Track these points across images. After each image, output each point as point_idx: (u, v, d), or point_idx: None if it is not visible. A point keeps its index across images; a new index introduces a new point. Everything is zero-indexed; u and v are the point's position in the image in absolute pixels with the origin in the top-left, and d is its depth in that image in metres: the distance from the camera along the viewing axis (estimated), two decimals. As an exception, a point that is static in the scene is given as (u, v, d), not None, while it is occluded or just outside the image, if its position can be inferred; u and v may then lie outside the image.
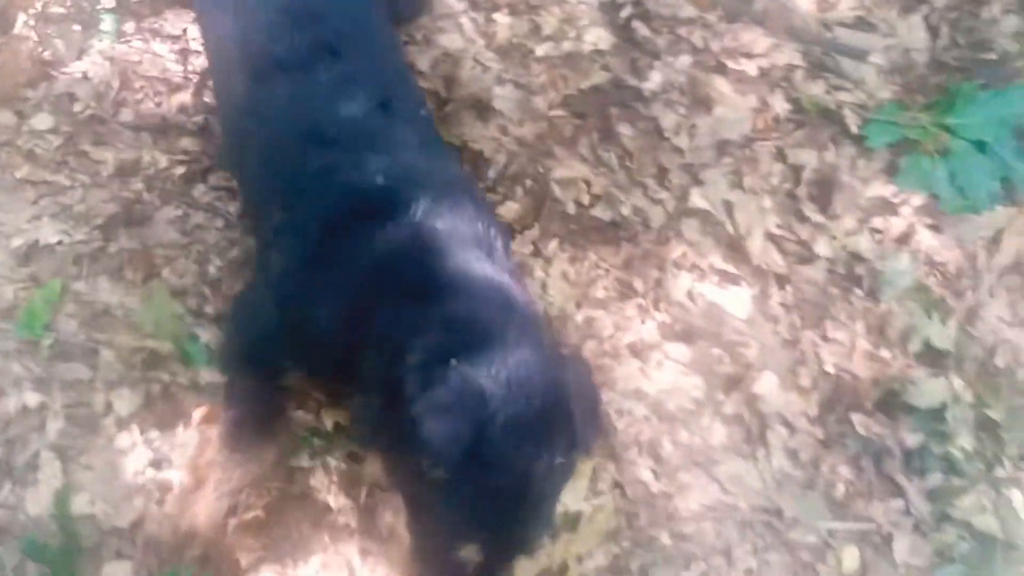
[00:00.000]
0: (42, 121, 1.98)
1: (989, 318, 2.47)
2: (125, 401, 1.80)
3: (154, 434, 1.79)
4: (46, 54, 2.01)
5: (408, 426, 1.40)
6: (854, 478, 2.24)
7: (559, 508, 1.74)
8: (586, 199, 2.28)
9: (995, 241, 2.55)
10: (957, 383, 2.24)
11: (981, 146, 2.55)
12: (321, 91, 1.74)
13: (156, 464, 1.77)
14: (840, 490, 2.22)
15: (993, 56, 2.68)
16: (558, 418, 1.49)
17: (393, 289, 1.55)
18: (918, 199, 2.51)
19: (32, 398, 1.75)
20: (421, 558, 1.55)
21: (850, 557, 2.16)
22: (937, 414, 2.21)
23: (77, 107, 2.01)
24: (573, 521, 1.90)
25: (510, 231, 2.15)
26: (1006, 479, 2.29)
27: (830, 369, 2.28)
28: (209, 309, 1.93)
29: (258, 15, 1.79)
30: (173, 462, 1.78)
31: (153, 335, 1.84)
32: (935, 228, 2.54)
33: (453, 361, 1.43)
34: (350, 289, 1.58)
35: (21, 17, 2.00)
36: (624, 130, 2.38)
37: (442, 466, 1.40)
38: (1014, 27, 2.70)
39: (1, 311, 1.79)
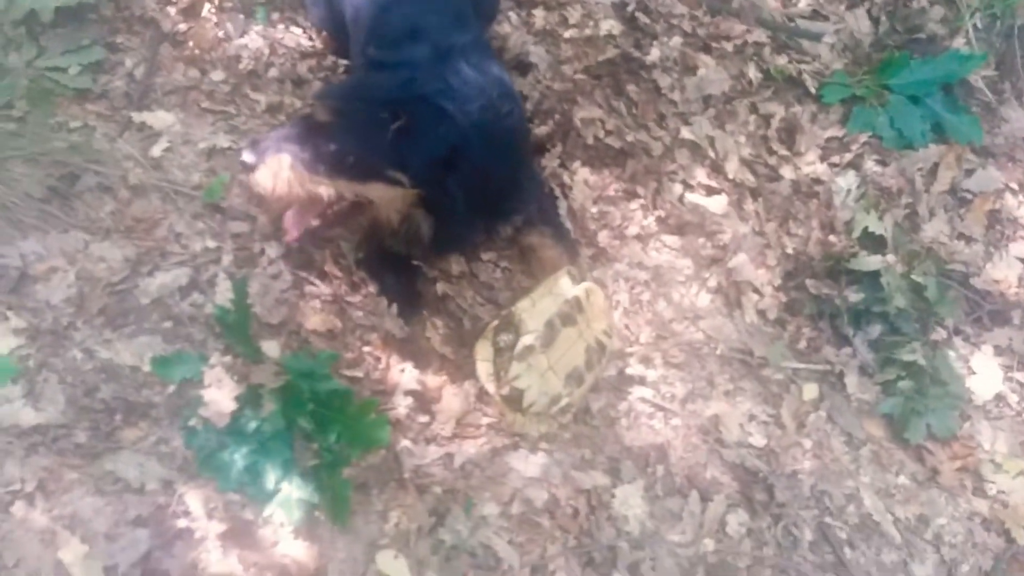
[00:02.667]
0: (217, 75, 2.77)
1: (929, 231, 3.07)
2: (274, 248, 2.52)
3: (294, 268, 2.49)
4: (220, 33, 2.83)
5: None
6: (813, 334, 2.81)
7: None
8: (601, 133, 2.90)
9: (932, 173, 3.16)
10: (890, 258, 2.80)
11: (915, 100, 3.16)
12: None
13: (297, 285, 2.47)
14: (802, 344, 2.78)
15: (923, 36, 3.33)
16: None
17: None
18: (864, 138, 3.14)
19: (211, 243, 2.48)
20: None
21: (810, 390, 2.70)
22: (874, 279, 2.76)
23: (241, 65, 2.80)
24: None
25: (543, 146, 2.85)
26: (941, 341, 2.83)
27: (790, 251, 2.86)
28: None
29: None
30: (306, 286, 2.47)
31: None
32: (881, 163, 3.14)
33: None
34: None
35: (206, 6, 2.83)
36: (631, 88, 3.04)
37: None
38: (940, 14, 3.33)
39: (192, 186, 2.52)
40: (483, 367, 2.27)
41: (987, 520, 2.56)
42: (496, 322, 2.29)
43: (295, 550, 2.01)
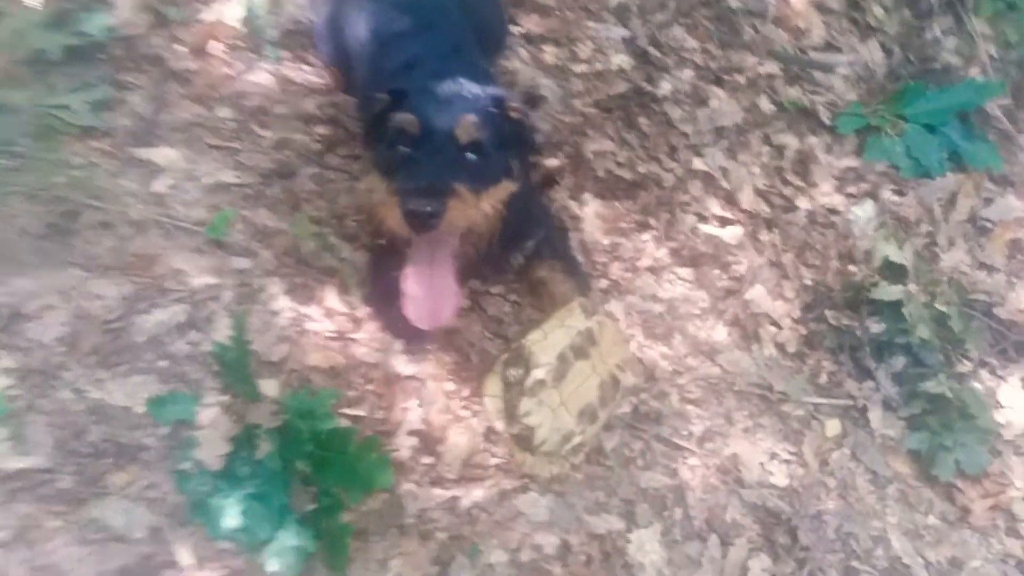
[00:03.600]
0: (224, 112, 2.63)
1: (949, 260, 2.86)
2: (276, 284, 2.36)
3: (296, 304, 2.33)
4: (228, 70, 2.70)
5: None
6: (834, 367, 2.60)
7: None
8: (612, 165, 2.75)
9: (950, 202, 2.96)
10: (912, 287, 2.60)
11: (931, 129, 2.99)
12: None
13: (298, 322, 2.30)
14: (823, 378, 2.57)
15: (938, 66, 3.15)
16: None
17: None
18: (881, 167, 2.95)
19: (212, 279, 2.32)
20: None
21: (832, 427, 2.49)
22: (895, 310, 2.55)
23: (248, 102, 2.66)
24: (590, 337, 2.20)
25: (553, 179, 2.68)
26: (967, 374, 2.61)
27: (808, 282, 2.67)
28: (336, 232, 2.49)
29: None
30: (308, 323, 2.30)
31: (297, 239, 2.40)
32: (898, 192, 2.96)
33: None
34: None
35: (214, 45, 2.71)
36: (642, 120, 2.87)
37: None
38: (953, 44, 3.17)
39: (194, 222, 2.37)
40: (492, 403, 2.09)
41: (1022, 562, 2.30)
42: (506, 355, 2.11)
43: (291, 601, 1.80)
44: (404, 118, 1.91)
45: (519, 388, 2.07)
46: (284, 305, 2.27)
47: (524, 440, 2.05)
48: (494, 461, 2.15)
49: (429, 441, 2.13)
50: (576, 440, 2.08)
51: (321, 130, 2.66)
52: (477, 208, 1.92)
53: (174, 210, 2.37)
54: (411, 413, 2.15)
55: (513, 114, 2.01)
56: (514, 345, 2.16)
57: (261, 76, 2.67)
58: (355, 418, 2.11)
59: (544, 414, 2.05)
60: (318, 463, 1.95)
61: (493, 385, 2.11)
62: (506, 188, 2.02)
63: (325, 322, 2.26)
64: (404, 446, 2.09)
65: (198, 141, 2.53)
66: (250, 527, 1.90)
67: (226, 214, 2.39)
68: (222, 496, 1.91)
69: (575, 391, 2.09)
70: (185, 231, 2.33)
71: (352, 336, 2.26)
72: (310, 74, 2.73)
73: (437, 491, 2.05)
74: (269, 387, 2.12)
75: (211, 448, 1.96)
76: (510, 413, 2.07)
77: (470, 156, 1.92)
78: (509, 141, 2.03)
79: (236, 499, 1.91)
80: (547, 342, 2.11)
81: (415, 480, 2.06)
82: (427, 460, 2.10)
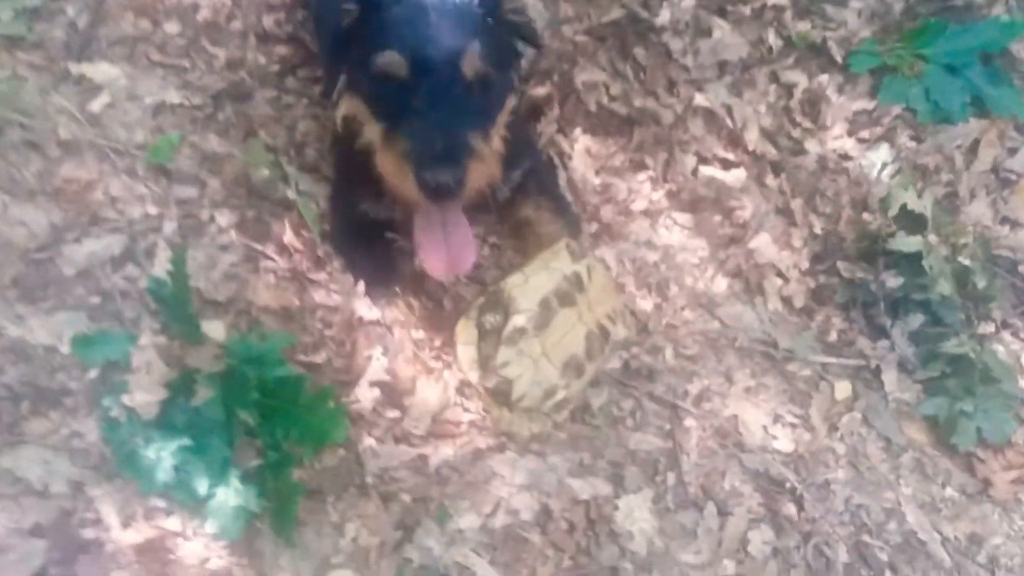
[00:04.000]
0: (172, 26, 2.35)
1: (971, 213, 2.63)
2: (225, 216, 2.10)
3: (247, 239, 2.07)
4: (176, -18, 2.44)
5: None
6: (845, 324, 2.38)
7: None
8: (605, 99, 2.50)
9: (972, 150, 2.73)
10: (932, 238, 2.37)
11: (952, 70, 2.74)
12: None
13: (250, 259, 2.05)
14: (833, 336, 2.35)
15: (959, 3, 2.91)
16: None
17: None
18: (897, 111, 2.71)
19: (153, 208, 2.06)
20: None
21: (842, 388, 2.26)
22: (914, 263, 2.33)
23: (199, 16, 2.38)
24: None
25: (540, 109, 2.43)
26: (989, 335, 2.39)
27: (818, 231, 2.43)
28: (294, 161, 2.23)
29: None
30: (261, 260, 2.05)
31: (251, 166, 2.14)
32: (915, 138, 2.72)
33: None
34: None
35: (158, -50, 2.44)
36: (638, 51, 2.62)
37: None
38: (978, -20, 2.94)
39: (135, 145, 2.11)
40: (465, 352, 1.84)
41: (1047, 540, 2.10)
42: (482, 299, 1.87)
43: (230, 569, 1.56)
44: (388, 61, 1.63)
45: (496, 336, 1.83)
46: (233, 239, 2.03)
47: (501, 394, 1.82)
48: (467, 417, 1.93)
49: (394, 393, 1.90)
50: (559, 395, 1.85)
51: (280, 49, 2.41)
52: (493, 157, 1.67)
53: (112, 131, 2.13)
54: (374, 362, 1.91)
55: (511, 16, 1.75)
56: (491, 289, 1.91)
57: (214, -14, 2.39)
58: (310, 366, 1.87)
59: (524, 365, 1.82)
60: (266, 413, 1.73)
61: (467, 332, 1.87)
62: (508, 111, 1.75)
63: (279, 260, 2.01)
64: (365, 398, 1.86)
65: (141, 57, 2.28)
66: (186, 483, 1.68)
67: (171, 138, 2.13)
68: (155, 447, 1.70)
69: (559, 341, 1.86)
70: (124, 155, 2.08)
71: (310, 276, 2.00)
72: (271, -14, 2.45)
73: (402, 448, 1.83)
74: (213, 329, 1.88)
75: (144, 393, 1.72)
76: (485, 364, 1.83)
77: (476, 92, 1.64)
78: (507, 52, 1.76)
79: (170, 451, 1.70)
80: (528, 286, 1.87)
81: (377, 436, 1.84)
82: (391, 414, 1.87)
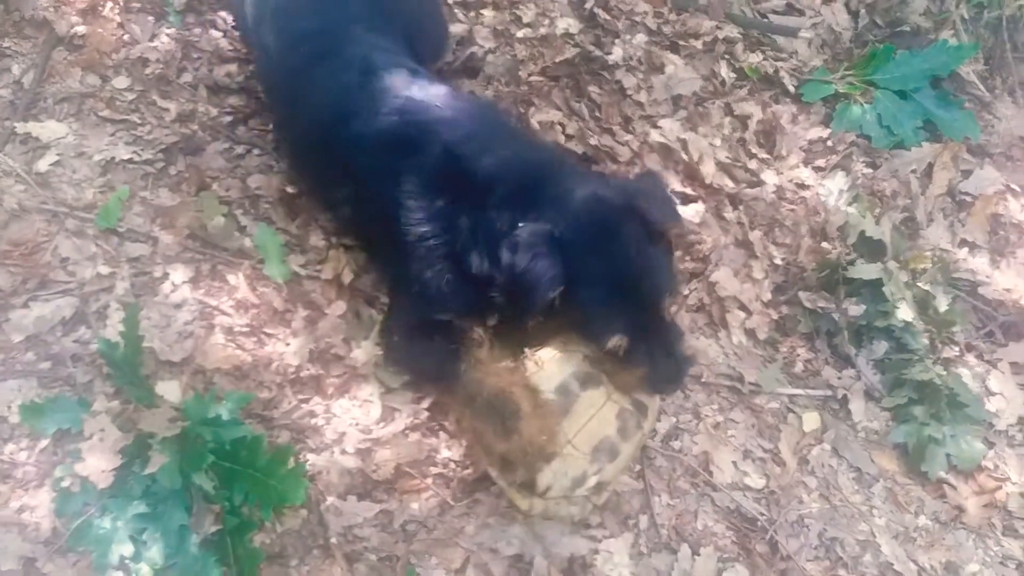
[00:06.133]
0: (120, 81, 2.33)
1: (929, 237, 2.67)
2: (179, 272, 2.07)
3: (202, 295, 2.05)
4: (125, 36, 2.41)
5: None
6: (810, 355, 2.39)
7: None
8: (561, 138, 2.53)
9: (927, 174, 2.78)
10: (892, 265, 2.39)
11: (903, 95, 2.81)
12: None
13: (205, 316, 2.02)
14: (798, 367, 2.36)
15: (906, 29, 2.97)
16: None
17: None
18: (851, 138, 2.75)
19: (104, 268, 2.03)
20: None
21: (810, 420, 2.27)
22: (875, 289, 2.35)
23: (148, 70, 2.37)
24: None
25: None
26: (953, 359, 2.42)
27: (779, 262, 2.45)
28: (250, 213, 2.21)
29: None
30: (216, 316, 2.03)
31: (205, 217, 2.12)
32: (871, 164, 2.76)
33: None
34: None
35: (108, 6, 2.41)
36: (593, 89, 2.65)
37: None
38: (922, 6, 2.98)
39: (84, 206, 2.08)
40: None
41: (1023, 564, 2.10)
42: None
43: (190, 641, 1.53)
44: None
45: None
46: (187, 296, 2.00)
47: (527, 488, 1.76)
48: (434, 470, 1.88)
49: (360, 450, 1.86)
50: (591, 481, 1.78)
51: (232, 100, 2.39)
52: None
53: (60, 191, 2.11)
54: (339, 417, 1.87)
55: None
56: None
57: (163, 41, 2.39)
58: (268, 421, 1.82)
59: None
60: (223, 477, 1.68)
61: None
62: None
63: (235, 316, 1.98)
64: (328, 455, 1.81)
65: (89, 114, 2.27)
66: (143, 554, 1.63)
67: (120, 194, 2.10)
68: (110, 517, 1.66)
69: (585, 426, 1.79)
70: (73, 216, 2.05)
71: (267, 330, 1.97)
72: (220, 39, 2.45)
73: (365, 504, 1.79)
74: (168, 390, 1.86)
75: (98, 461, 1.69)
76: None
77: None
78: None
79: (126, 521, 1.65)
80: (543, 374, 1.81)
81: (339, 493, 1.79)
82: (353, 466, 1.83)
